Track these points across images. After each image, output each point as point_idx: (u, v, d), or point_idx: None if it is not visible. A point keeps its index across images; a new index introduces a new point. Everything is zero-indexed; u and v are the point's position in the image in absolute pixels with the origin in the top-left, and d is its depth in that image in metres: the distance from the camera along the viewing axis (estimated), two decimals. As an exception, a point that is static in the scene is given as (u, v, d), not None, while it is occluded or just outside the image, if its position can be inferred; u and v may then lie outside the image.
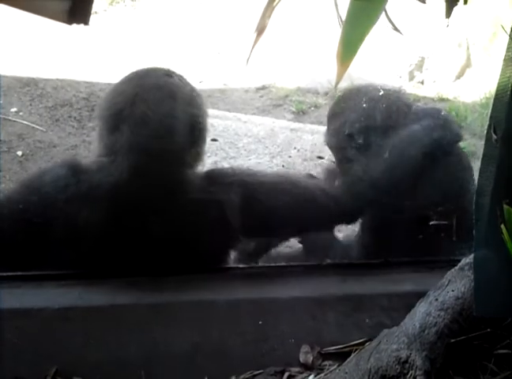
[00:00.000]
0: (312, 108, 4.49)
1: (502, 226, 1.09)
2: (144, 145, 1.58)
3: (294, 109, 4.57)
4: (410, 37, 4.52)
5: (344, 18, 1.03)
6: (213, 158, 3.71)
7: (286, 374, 1.43)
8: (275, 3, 1.08)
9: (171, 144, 1.61)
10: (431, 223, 1.81)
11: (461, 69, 5.16)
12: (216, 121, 4.04)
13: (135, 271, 1.60)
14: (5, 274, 1.61)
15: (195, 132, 1.67)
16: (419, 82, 5.12)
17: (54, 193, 1.58)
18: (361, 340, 1.46)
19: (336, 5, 1.05)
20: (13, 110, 4.13)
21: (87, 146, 3.80)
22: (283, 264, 1.83)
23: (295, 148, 3.90)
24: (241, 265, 1.82)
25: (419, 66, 5.13)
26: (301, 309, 1.53)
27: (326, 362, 1.44)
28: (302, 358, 1.46)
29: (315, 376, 1.41)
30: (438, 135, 1.83)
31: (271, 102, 4.69)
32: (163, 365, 1.45)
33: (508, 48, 1.11)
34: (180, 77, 1.69)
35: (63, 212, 1.58)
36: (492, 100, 1.15)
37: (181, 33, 5.39)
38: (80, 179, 1.59)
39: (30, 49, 4.77)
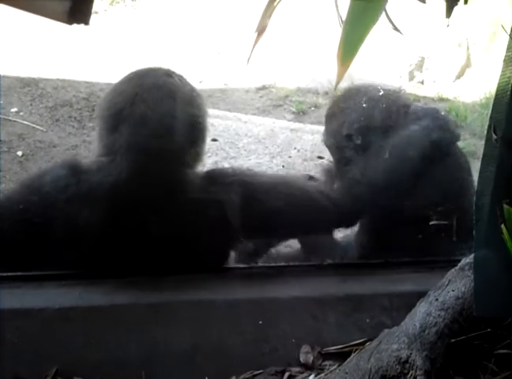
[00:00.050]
0: (312, 108, 4.49)
1: (503, 226, 1.09)
2: (144, 145, 1.58)
3: (294, 109, 4.57)
4: (410, 37, 4.52)
5: (344, 18, 1.03)
6: (213, 158, 3.71)
7: (286, 374, 1.43)
8: (275, 3, 1.08)
9: (170, 144, 1.61)
10: (429, 223, 1.81)
11: (461, 69, 5.16)
12: (217, 121, 4.04)
13: (135, 271, 1.60)
14: (5, 274, 1.61)
15: (195, 132, 1.67)
16: (419, 82, 5.11)
17: (55, 193, 1.58)
18: (361, 340, 1.46)
19: (336, 5, 1.05)
20: (14, 110, 4.12)
21: (87, 146, 3.80)
22: (283, 264, 1.82)
23: (295, 149, 3.90)
24: (241, 265, 1.82)
25: (419, 66, 5.13)
26: (301, 309, 1.53)
27: (327, 362, 1.44)
28: (302, 358, 1.46)
29: (315, 376, 1.41)
30: (436, 136, 1.83)
31: (271, 102, 4.69)
32: (163, 365, 1.45)
33: (508, 48, 1.11)
34: (180, 77, 1.69)
35: (63, 212, 1.58)
36: (492, 100, 1.15)
37: (181, 33, 5.39)
38: (81, 179, 1.59)
39: (30, 49, 4.77)
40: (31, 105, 4.22)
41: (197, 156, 1.70)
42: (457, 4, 1.06)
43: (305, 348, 1.48)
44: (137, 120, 1.59)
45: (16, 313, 1.49)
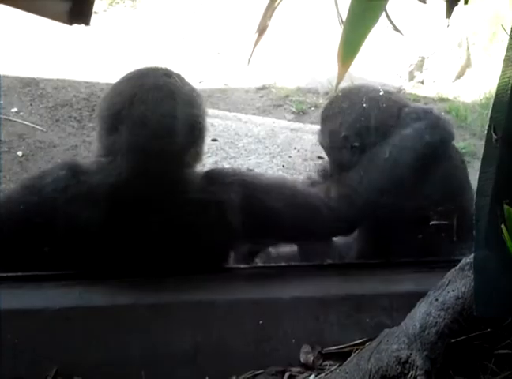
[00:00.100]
0: (312, 108, 4.49)
1: (503, 226, 1.09)
2: (144, 145, 1.58)
3: (294, 109, 4.57)
4: (410, 37, 4.52)
5: (344, 18, 1.03)
6: (213, 158, 3.71)
7: (287, 374, 1.44)
8: (276, 3, 1.08)
9: (170, 144, 1.61)
10: (429, 223, 1.81)
11: (461, 69, 5.16)
12: (217, 121, 4.04)
13: (135, 271, 1.60)
14: (5, 274, 1.61)
15: (194, 132, 1.67)
16: (419, 82, 5.11)
17: (54, 194, 1.58)
18: (362, 340, 1.46)
19: (336, 5, 1.05)
20: (14, 110, 4.13)
21: (87, 146, 3.80)
22: (283, 264, 1.82)
23: (295, 149, 3.90)
24: (241, 265, 1.82)
25: (419, 66, 5.13)
26: (302, 309, 1.53)
27: (327, 362, 1.44)
28: (302, 358, 1.46)
29: (316, 376, 1.41)
30: (432, 137, 1.82)
31: (271, 102, 4.69)
32: (164, 366, 1.45)
33: (508, 48, 1.11)
34: (179, 77, 1.68)
35: (63, 213, 1.58)
36: (492, 100, 1.15)
37: (181, 33, 5.39)
38: (80, 180, 1.59)
39: (31, 49, 4.77)
40: (31, 105, 4.23)
41: (197, 156, 1.70)
42: (457, 4, 1.06)
43: (305, 348, 1.48)
44: (136, 120, 1.59)
45: (17, 314, 1.49)
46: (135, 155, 1.59)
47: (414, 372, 1.19)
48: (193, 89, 1.70)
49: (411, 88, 4.99)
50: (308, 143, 3.78)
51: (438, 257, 1.76)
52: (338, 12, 1.05)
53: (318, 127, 2.07)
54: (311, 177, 2.19)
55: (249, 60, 1.17)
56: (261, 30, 1.12)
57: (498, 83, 1.12)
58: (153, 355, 1.46)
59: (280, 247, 2.02)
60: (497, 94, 1.13)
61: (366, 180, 1.78)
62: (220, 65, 5.01)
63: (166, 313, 1.52)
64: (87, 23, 1.34)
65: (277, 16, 1.11)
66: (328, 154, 2.04)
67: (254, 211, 1.66)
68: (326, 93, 4.52)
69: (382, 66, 4.85)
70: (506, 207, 1.10)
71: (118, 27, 5.50)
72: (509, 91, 1.11)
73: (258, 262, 1.95)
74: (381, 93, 1.93)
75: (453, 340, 1.24)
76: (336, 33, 1.04)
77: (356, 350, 1.41)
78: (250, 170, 3.58)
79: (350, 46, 1.03)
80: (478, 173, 1.18)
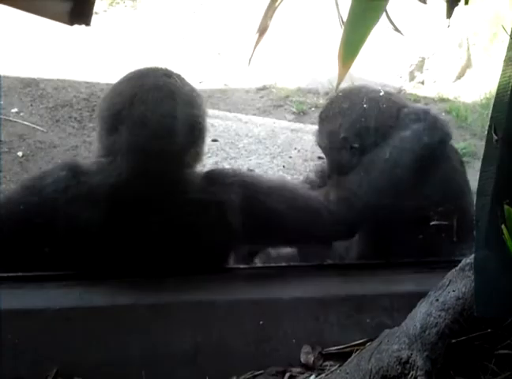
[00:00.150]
0: (313, 109, 4.49)
1: (503, 226, 1.09)
2: (144, 146, 1.58)
3: (295, 109, 4.57)
4: (410, 37, 4.52)
5: (345, 19, 1.03)
6: (214, 158, 3.71)
7: (287, 375, 1.44)
8: (277, 4, 1.08)
9: (170, 145, 1.61)
10: (422, 224, 1.81)
11: (461, 69, 5.16)
12: (217, 121, 4.04)
13: (135, 271, 1.60)
14: (5, 275, 1.61)
15: (195, 132, 1.67)
16: (419, 82, 5.11)
17: (55, 195, 1.58)
18: (362, 340, 1.46)
19: (337, 5, 1.05)
20: (14, 110, 4.13)
21: (87, 147, 3.80)
22: (283, 264, 1.82)
23: (295, 149, 3.90)
24: (241, 265, 1.82)
25: (420, 66, 5.13)
26: (302, 310, 1.53)
27: (327, 363, 1.44)
28: (303, 359, 1.46)
29: (316, 376, 1.41)
30: (430, 139, 1.82)
31: (272, 102, 4.69)
32: (164, 366, 1.45)
33: (509, 48, 1.11)
34: (179, 77, 1.68)
35: (63, 213, 1.58)
36: (493, 101, 1.15)
37: (181, 34, 5.39)
38: (80, 180, 1.59)
39: (31, 49, 4.77)
40: (31, 105, 4.23)
41: (197, 156, 1.70)
42: (457, 4, 1.06)
43: (306, 348, 1.48)
44: (136, 120, 1.59)
45: (17, 314, 1.49)
46: (135, 156, 1.59)
47: (414, 372, 1.19)
48: (193, 89, 1.70)
49: (411, 89, 4.99)
50: (309, 143, 3.77)
51: (438, 257, 1.76)
52: (339, 12, 1.05)
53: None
54: (309, 177, 2.20)
55: (249, 60, 1.17)
56: (262, 30, 1.12)
57: (499, 83, 1.12)
58: (153, 355, 1.46)
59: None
60: (497, 94, 1.13)
61: (365, 183, 1.78)
62: (221, 65, 5.01)
63: (166, 314, 1.52)
64: (87, 23, 1.34)
65: (278, 16, 1.11)
66: (326, 154, 2.04)
67: (254, 212, 1.66)
68: (327, 93, 4.52)
69: (382, 67, 4.85)
70: (506, 207, 1.10)
71: (119, 27, 5.50)
72: (509, 92, 1.11)
73: (258, 262, 1.95)
74: (380, 94, 1.94)
75: (453, 341, 1.24)
76: (337, 33, 1.04)
77: (357, 350, 1.41)
78: (251, 170, 3.58)
79: (350, 47, 1.03)
80: (478, 173, 1.18)
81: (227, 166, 3.60)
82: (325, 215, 1.72)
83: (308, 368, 1.45)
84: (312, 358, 1.46)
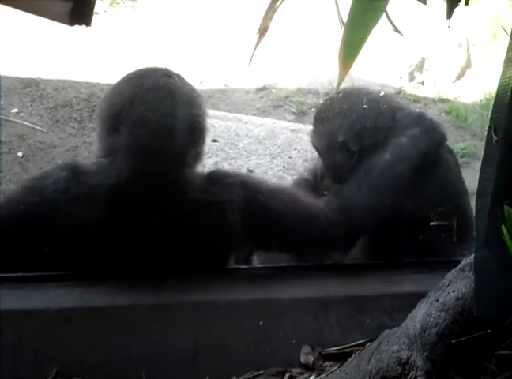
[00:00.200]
0: (313, 109, 4.49)
1: (503, 226, 1.09)
2: (144, 146, 1.58)
3: (294, 110, 4.58)
4: (410, 38, 4.52)
5: (345, 19, 1.03)
6: (214, 159, 3.71)
7: (287, 375, 1.44)
8: (277, 4, 1.08)
9: (170, 145, 1.60)
10: (421, 225, 1.82)
11: (461, 69, 5.17)
12: (217, 121, 4.04)
13: (135, 272, 1.60)
14: (5, 275, 1.61)
15: (195, 132, 1.67)
16: (419, 83, 5.12)
17: (55, 195, 1.58)
18: (362, 341, 1.46)
19: (337, 6, 1.05)
20: (14, 110, 4.13)
21: (87, 147, 3.81)
22: (284, 264, 1.82)
23: (295, 149, 3.90)
24: (241, 266, 1.82)
25: (420, 67, 5.13)
26: (302, 310, 1.53)
27: (327, 363, 1.44)
28: (303, 359, 1.46)
29: (316, 376, 1.41)
30: (425, 143, 1.83)
31: (271, 103, 4.70)
32: (164, 366, 1.45)
33: (509, 49, 1.11)
34: (179, 77, 1.68)
35: (63, 214, 1.58)
36: (493, 101, 1.15)
37: (181, 34, 5.40)
38: (81, 180, 1.59)
39: (31, 50, 4.78)
40: (31, 106, 4.23)
41: (197, 157, 1.70)
42: (457, 5, 1.06)
43: (306, 349, 1.48)
44: (136, 120, 1.59)
45: (17, 314, 1.49)
46: (135, 156, 1.59)
47: (414, 372, 1.19)
48: (193, 89, 1.70)
49: (411, 89, 5.00)
50: (308, 144, 3.76)
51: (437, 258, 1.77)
52: (339, 13, 1.05)
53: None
54: (303, 176, 2.21)
55: (250, 61, 1.17)
56: (262, 31, 1.12)
57: (499, 84, 1.12)
58: (153, 356, 1.46)
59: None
60: (497, 95, 1.13)
61: (363, 194, 1.78)
62: (221, 65, 5.02)
63: (166, 314, 1.52)
64: (88, 24, 1.34)
65: (278, 17, 1.11)
66: (321, 155, 2.05)
67: (255, 212, 1.66)
68: (327, 94, 4.53)
69: (382, 67, 4.85)
70: (506, 207, 1.10)
71: (119, 27, 5.50)
72: (509, 92, 1.11)
73: (256, 261, 1.94)
74: (376, 95, 1.94)
75: (453, 341, 1.24)
76: (337, 34, 1.05)
77: (357, 350, 1.41)
78: (251, 171, 3.59)
79: (351, 47, 1.03)
80: (478, 174, 1.18)
81: (227, 166, 3.61)
82: (324, 221, 1.71)
83: (308, 368, 1.45)
84: (312, 359, 1.46)
